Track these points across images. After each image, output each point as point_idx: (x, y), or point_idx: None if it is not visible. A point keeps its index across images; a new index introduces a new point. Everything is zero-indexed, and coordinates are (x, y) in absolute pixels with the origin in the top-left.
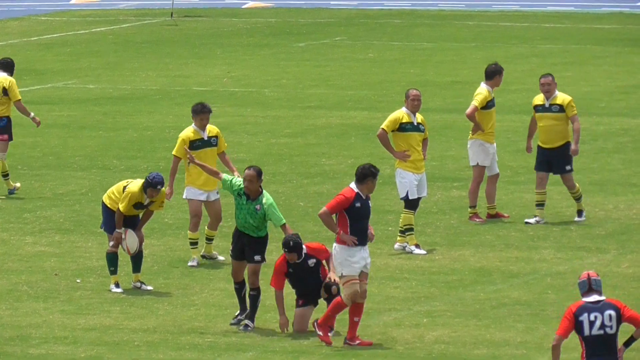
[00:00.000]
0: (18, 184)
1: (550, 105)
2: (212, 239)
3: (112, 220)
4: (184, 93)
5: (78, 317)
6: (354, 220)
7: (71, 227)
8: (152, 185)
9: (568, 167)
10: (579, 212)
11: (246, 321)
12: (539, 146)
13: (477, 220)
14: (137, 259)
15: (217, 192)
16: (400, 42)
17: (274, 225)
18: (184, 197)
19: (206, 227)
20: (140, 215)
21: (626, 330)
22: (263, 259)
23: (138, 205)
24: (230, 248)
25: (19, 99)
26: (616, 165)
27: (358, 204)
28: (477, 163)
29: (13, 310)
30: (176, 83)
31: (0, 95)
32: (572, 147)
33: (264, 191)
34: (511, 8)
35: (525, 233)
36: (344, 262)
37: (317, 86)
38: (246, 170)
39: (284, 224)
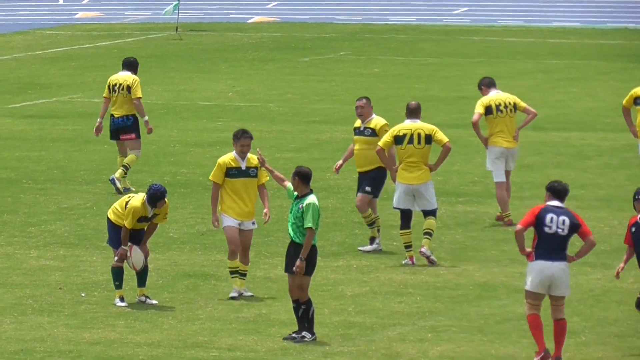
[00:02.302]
0: (130, 187)
1: (365, 128)
2: (242, 274)
3: (117, 235)
4: (188, 107)
5: (83, 331)
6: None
7: (76, 241)
8: (156, 197)
9: (368, 189)
10: (371, 239)
11: (303, 333)
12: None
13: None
14: (142, 274)
15: (254, 223)
16: (405, 57)
17: (302, 223)
18: (222, 225)
19: (237, 260)
20: (145, 229)
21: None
22: (308, 273)
23: (142, 218)
24: (285, 260)
25: (139, 97)
26: (622, 181)
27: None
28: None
29: (17, 324)
30: (181, 97)
31: (125, 93)
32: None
33: (313, 194)
34: (516, 23)
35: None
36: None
37: (321, 101)
38: None
39: (310, 228)
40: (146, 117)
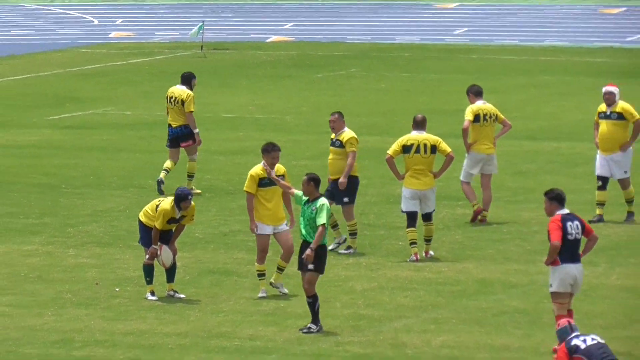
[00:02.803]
0: (197, 190)
1: (335, 140)
2: (283, 269)
3: (148, 235)
4: (212, 119)
5: (117, 323)
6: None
7: (110, 240)
8: (181, 199)
9: (345, 199)
10: (348, 247)
11: (309, 325)
12: None
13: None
14: (171, 270)
15: (286, 224)
16: (409, 74)
17: (316, 222)
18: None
19: (279, 258)
20: (173, 230)
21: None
22: (318, 269)
23: (171, 220)
24: (298, 259)
25: (191, 111)
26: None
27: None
28: None
29: (57, 316)
30: (205, 110)
31: (180, 106)
32: (341, 179)
33: (323, 197)
34: (511, 42)
35: (523, 248)
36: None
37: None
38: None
39: (323, 224)
40: (197, 130)
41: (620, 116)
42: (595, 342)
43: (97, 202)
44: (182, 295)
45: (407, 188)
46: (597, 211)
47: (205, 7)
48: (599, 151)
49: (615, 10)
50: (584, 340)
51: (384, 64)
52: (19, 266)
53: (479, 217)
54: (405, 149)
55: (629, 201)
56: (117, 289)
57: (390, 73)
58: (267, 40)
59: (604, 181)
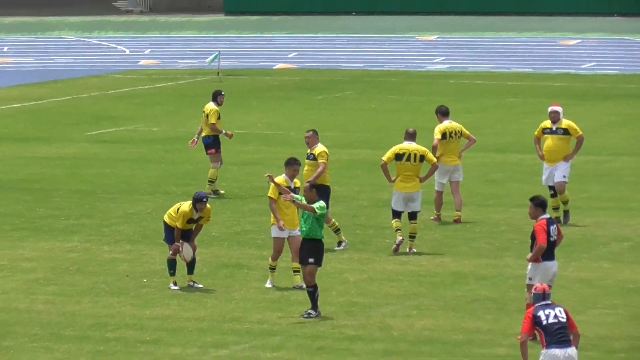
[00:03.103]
0: (221, 191)
1: (310, 154)
2: (299, 270)
3: (171, 234)
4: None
5: (144, 309)
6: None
7: (139, 239)
8: (198, 201)
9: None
10: (339, 243)
11: (309, 310)
12: None
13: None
14: (191, 264)
15: (298, 231)
16: (396, 96)
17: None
18: (272, 235)
19: (292, 262)
20: (193, 229)
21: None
22: (317, 263)
23: (190, 220)
24: (299, 250)
25: (212, 123)
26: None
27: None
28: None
29: (93, 303)
30: (222, 127)
31: (206, 119)
32: (310, 180)
33: (320, 202)
34: (483, 69)
35: (493, 245)
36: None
37: (331, 130)
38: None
39: (314, 210)
40: (223, 131)
41: (566, 131)
42: (556, 321)
43: (128, 206)
44: (200, 285)
45: (397, 191)
46: (554, 214)
47: (221, 38)
48: (545, 163)
49: (572, 42)
50: (548, 316)
51: (374, 87)
52: (61, 260)
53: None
54: (398, 156)
55: (565, 202)
56: (145, 280)
57: (380, 95)
58: (274, 67)
59: (553, 192)
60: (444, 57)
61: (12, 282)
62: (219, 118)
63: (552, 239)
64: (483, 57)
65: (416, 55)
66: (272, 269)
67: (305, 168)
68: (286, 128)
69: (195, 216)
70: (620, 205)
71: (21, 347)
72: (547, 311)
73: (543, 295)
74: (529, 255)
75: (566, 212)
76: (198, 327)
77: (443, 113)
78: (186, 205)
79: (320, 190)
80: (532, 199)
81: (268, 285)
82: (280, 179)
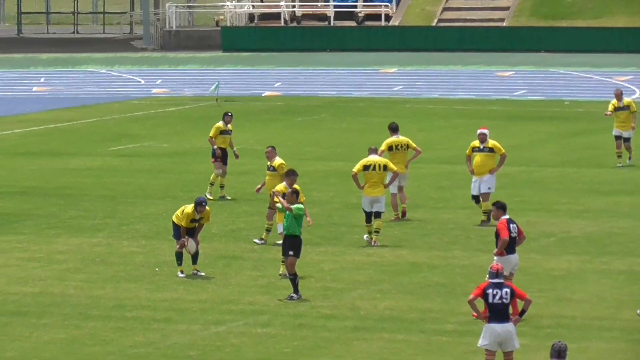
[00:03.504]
0: (210, 196)
1: (270, 166)
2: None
3: (178, 232)
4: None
5: (157, 293)
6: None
7: (152, 235)
8: (198, 204)
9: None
10: (262, 239)
11: (292, 294)
12: None
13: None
14: (194, 256)
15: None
16: (363, 118)
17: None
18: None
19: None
20: (196, 227)
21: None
22: (295, 255)
23: (193, 220)
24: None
25: (210, 136)
26: (504, 197)
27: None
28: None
29: (115, 288)
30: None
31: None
32: (274, 190)
33: (299, 204)
34: (434, 96)
35: (442, 240)
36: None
37: (309, 146)
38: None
39: (291, 210)
40: (215, 146)
41: (491, 150)
42: (500, 302)
43: (143, 208)
44: (202, 273)
45: (365, 195)
46: (483, 217)
47: (219, 71)
48: (473, 176)
49: (507, 73)
50: (494, 296)
51: (345, 111)
52: (88, 253)
53: (402, 216)
54: (365, 167)
55: (485, 212)
56: (157, 269)
57: (349, 117)
58: (263, 95)
59: (477, 199)
60: (401, 86)
61: (48, 271)
62: (220, 134)
63: (512, 235)
64: (434, 86)
65: (379, 84)
66: (268, 230)
67: (267, 178)
68: (273, 144)
69: (197, 217)
70: (547, 207)
71: (56, 324)
72: (495, 290)
73: (496, 274)
74: (495, 250)
75: (483, 221)
76: (201, 307)
77: (392, 129)
78: (189, 208)
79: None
80: (494, 203)
81: (256, 240)
82: (281, 186)
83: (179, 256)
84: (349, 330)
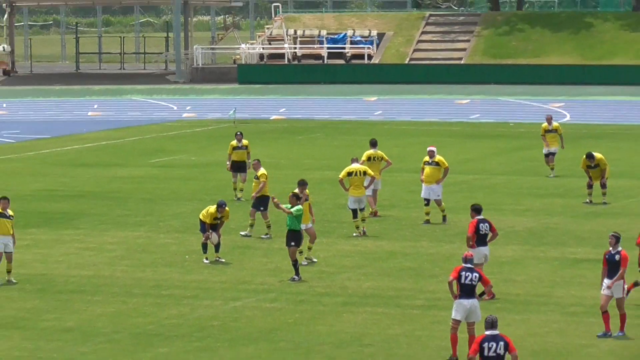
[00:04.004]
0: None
1: (256, 176)
2: (311, 248)
3: (204, 227)
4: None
5: (186, 275)
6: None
7: (183, 229)
8: (220, 206)
9: (262, 208)
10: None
11: (294, 276)
12: None
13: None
14: (217, 246)
15: (312, 223)
16: (350, 137)
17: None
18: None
19: (309, 242)
20: (218, 223)
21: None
22: (297, 245)
23: (215, 218)
24: (286, 238)
25: (229, 152)
26: (480, 199)
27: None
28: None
29: (153, 272)
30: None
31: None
32: (254, 194)
33: (298, 205)
34: (406, 119)
35: (413, 233)
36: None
37: (307, 158)
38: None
39: (290, 212)
40: (227, 162)
41: (438, 164)
42: (470, 283)
43: (175, 208)
44: (223, 260)
45: (351, 195)
46: (426, 217)
47: (236, 99)
48: (424, 184)
49: (464, 101)
50: (466, 278)
51: (336, 131)
52: (132, 244)
53: (376, 215)
54: (349, 174)
55: (443, 210)
56: (187, 257)
57: (339, 136)
58: (271, 118)
59: (427, 201)
60: (381, 111)
61: (100, 257)
62: (234, 149)
63: (481, 232)
64: (406, 111)
65: (362, 110)
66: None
67: (253, 184)
68: (278, 157)
69: (219, 215)
70: (496, 207)
71: (106, 300)
72: (467, 274)
73: (465, 260)
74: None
75: (444, 217)
76: (221, 287)
77: (372, 144)
78: (213, 208)
79: (262, 198)
80: (472, 206)
81: (304, 263)
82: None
83: (205, 246)
84: (339, 305)
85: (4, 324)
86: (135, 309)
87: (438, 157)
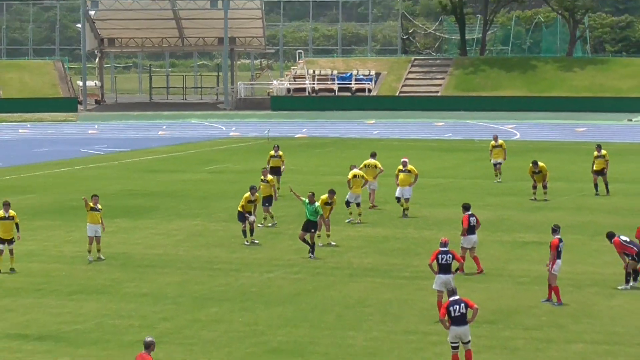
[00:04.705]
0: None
1: (264, 180)
2: (329, 235)
3: (242, 217)
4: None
5: (232, 254)
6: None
7: (229, 220)
8: (252, 189)
9: (267, 204)
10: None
11: (312, 255)
12: None
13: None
14: (252, 230)
15: (328, 219)
16: (354, 150)
17: (318, 211)
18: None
19: (325, 231)
20: (253, 206)
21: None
22: (315, 231)
23: (249, 202)
24: (302, 227)
25: (267, 161)
26: (437, 199)
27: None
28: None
29: (207, 251)
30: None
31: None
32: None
33: (317, 202)
34: (396, 137)
35: (403, 222)
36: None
37: (323, 166)
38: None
39: (319, 211)
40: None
41: (409, 171)
42: (445, 262)
43: (224, 204)
44: (257, 241)
45: (351, 192)
46: (406, 213)
47: (270, 122)
48: (399, 187)
49: (440, 124)
50: (442, 258)
51: (344, 146)
52: (190, 230)
53: (375, 207)
54: (354, 176)
55: (406, 209)
56: (232, 240)
57: (346, 150)
58: (295, 136)
59: (399, 199)
60: (377, 131)
61: (167, 240)
62: (271, 157)
63: (471, 224)
64: (397, 131)
65: (364, 130)
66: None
67: (261, 186)
68: (301, 165)
69: (252, 198)
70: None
71: (172, 272)
72: (443, 255)
73: (444, 244)
74: (461, 233)
75: (405, 213)
76: (258, 262)
77: (371, 155)
78: (247, 193)
79: (268, 197)
80: (462, 205)
81: (320, 244)
82: (324, 196)
83: (244, 233)
84: (346, 276)
85: (95, 290)
86: (193, 279)
87: (410, 166)
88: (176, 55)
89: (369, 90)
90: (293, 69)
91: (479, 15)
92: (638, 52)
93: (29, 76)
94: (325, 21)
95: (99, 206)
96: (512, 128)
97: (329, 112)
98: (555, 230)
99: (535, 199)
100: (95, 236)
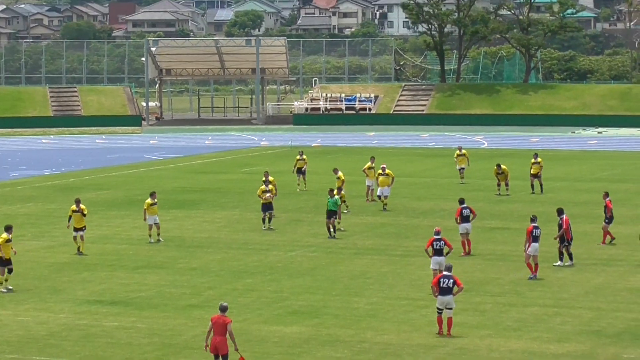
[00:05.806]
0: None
1: (266, 181)
2: (339, 222)
3: (264, 207)
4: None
5: (262, 237)
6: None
7: (258, 209)
8: (265, 174)
9: (271, 212)
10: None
11: (333, 236)
12: None
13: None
14: (270, 218)
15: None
16: (357, 156)
17: (337, 202)
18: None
19: (338, 218)
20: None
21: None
22: (336, 218)
23: (264, 192)
24: (326, 215)
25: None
26: (422, 194)
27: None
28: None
29: (243, 235)
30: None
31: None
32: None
33: (336, 196)
34: (391, 145)
35: (396, 212)
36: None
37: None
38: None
39: (337, 202)
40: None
41: (387, 175)
42: (439, 247)
43: (255, 198)
44: (273, 228)
45: (380, 188)
46: (385, 207)
47: (292, 134)
48: (379, 187)
49: (425, 135)
50: (436, 244)
51: (350, 153)
52: (229, 219)
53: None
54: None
55: (385, 204)
56: (263, 228)
57: (353, 156)
58: (312, 145)
59: (380, 197)
60: (376, 141)
61: (211, 227)
62: (297, 161)
63: (464, 215)
64: (391, 141)
65: (365, 140)
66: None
67: (262, 187)
68: (316, 168)
69: (266, 188)
70: (442, 197)
71: (215, 252)
72: (437, 242)
73: (437, 233)
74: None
75: (385, 208)
76: (282, 244)
77: (371, 159)
78: (262, 186)
79: (268, 205)
80: (459, 200)
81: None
82: (337, 197)
83: (263, 220)
84: (352, 254)
85: (154, 266)
86: (232, 256)
87: (388, 170)
88: (219, 82)
89: (370, 110)
90: (310, 92)
91: (455, 51)
92: (579, 80)
93: (104, 98)
94: (336, 55)
95: (156, 200)
96: (481, 139)
97: (338, 126)
98: (532, 219)
99: (499, 194)
100: (155, 223)
